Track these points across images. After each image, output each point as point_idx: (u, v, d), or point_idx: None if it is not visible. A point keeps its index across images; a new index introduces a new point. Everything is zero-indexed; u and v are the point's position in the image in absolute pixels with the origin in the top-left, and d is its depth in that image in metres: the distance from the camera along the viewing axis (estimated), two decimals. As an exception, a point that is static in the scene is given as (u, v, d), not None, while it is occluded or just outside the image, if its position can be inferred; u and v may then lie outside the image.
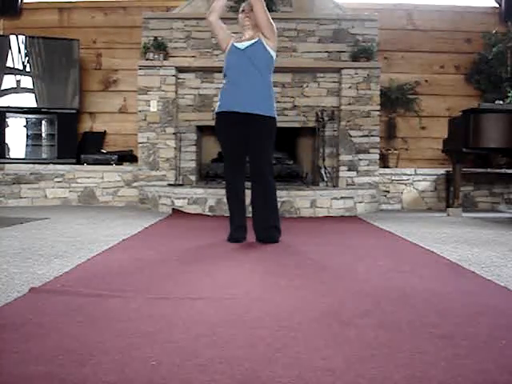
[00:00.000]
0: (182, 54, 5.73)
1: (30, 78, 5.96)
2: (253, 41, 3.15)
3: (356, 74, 5.57)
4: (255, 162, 3.15)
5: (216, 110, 3.24)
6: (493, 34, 6.09)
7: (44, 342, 1.36)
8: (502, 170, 5.75)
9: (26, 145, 5.95)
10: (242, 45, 3.16)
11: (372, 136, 5.61)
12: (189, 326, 1.52)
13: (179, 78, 5.68)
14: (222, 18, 3.27)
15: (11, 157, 5.89)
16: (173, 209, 4.98)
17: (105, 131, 6.43)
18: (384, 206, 5.77)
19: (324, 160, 5.62)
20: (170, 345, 1.35)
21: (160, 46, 5.57)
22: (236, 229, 3.23)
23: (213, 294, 1.91)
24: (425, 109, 6.34)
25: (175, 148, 5.63)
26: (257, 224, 3.18)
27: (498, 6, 6.38)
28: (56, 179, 5.75)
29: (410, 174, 5.86)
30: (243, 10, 3.19)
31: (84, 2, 6.50)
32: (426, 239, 3.37)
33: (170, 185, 5.51)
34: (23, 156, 5.93)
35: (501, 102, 4.89)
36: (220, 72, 5.65)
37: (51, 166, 5.76)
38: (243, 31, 3.24)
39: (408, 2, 6.45)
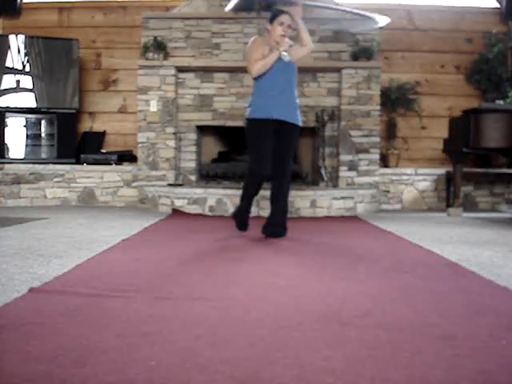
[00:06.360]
0: (182, 53, 5.73)
1: (30, 78, 5.95)
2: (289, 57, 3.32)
3: (356, 73, 5.56)
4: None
5: (257, 115, 3.28)
6: (493, 34, 6.09)
7: (44, 342, 1.35)
8: (503, 170, 5.75)
9: (26, 145, 5.94)
10: (284, 56, 3.27)
11: (372, 136, 5.60)
12: (189, 326, 1.52)
13: (179, 78, 5.68)
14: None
15: (11, 157, 5.88)
16: (173, 209, 4.97)
17: (104, 131, 6.43)
18: (384, 206, 5.76)
19: (324, 160, 5.62)
20: (169, 345, 1.35)
21: (160, 46, 5.57)
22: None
23: (213, 294, 1.90)
24: (425, 109, 6.33)
25: (175, 148, 5.63)
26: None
27: (498, 5, 6.38)
28: (55, 179, 5.74)
29: (411, 174, 5.85)
30: (283, 23, 3.28)
31: (83, 1, 6.49)
32: (426, 239, 3.37)
33: (169, 185, 5.50)
34: (23, 156, 5.92)
35: (501, 102, 4.89)
36: (220, 72, 5.72)
37: (51, 166, 5.75)
38: (280, 41, 3.30)
39: (408, 2, 6.44)
